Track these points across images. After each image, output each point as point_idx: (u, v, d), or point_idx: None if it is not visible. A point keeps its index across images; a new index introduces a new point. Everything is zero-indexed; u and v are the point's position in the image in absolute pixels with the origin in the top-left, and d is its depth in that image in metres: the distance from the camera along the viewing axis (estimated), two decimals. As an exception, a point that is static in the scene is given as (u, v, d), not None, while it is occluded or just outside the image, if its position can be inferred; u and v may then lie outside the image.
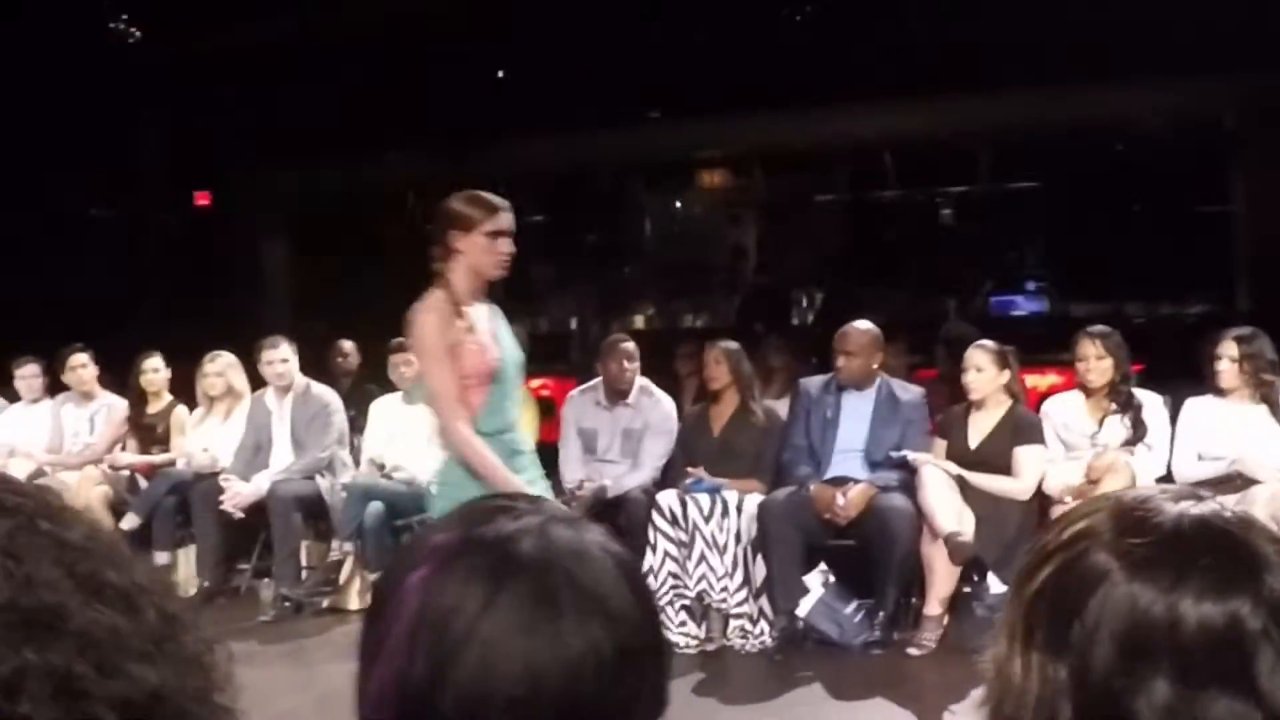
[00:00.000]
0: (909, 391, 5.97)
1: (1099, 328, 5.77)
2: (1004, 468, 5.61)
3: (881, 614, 5.48)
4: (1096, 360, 5.65)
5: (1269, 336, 6.79)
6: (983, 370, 5.70)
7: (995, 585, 5.49)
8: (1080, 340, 5.72)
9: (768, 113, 9.46)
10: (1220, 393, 5.55)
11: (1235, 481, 5.28)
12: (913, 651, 5.39)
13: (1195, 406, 5.58)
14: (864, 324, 5.96)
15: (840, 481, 5.67)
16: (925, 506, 5.43)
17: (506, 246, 3.66)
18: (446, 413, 3.61)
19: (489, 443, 3.62)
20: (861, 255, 11.46)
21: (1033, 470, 5.59)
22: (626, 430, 6.26)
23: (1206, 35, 7.63)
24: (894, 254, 11.32)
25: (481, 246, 3.63)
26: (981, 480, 5.56)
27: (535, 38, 9.31)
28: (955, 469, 5.58)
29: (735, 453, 6.01)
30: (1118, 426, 5.59)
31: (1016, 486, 5.57)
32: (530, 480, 3.75)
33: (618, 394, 6.31)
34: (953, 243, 11.19)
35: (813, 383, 6.05)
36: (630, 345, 6.37)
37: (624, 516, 5.79)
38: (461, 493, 3.41)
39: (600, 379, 6.43)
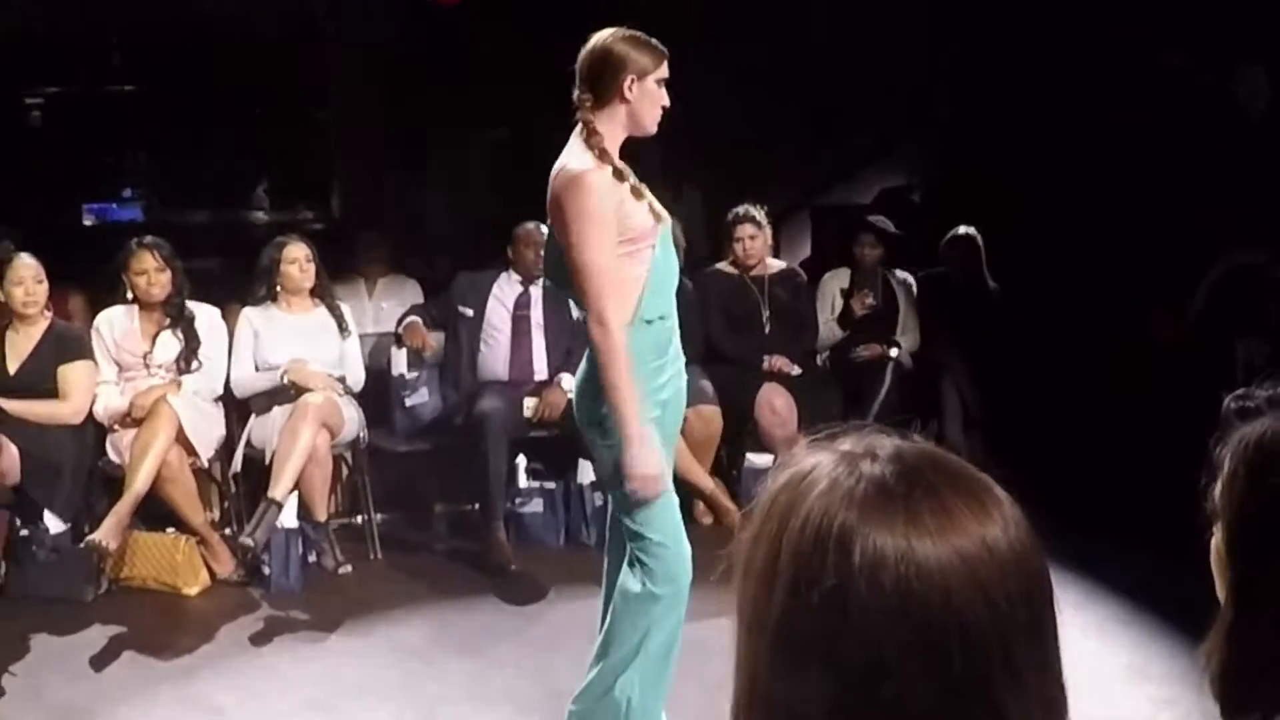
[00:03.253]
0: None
1: (152, 238, 5.43)
2: (50, 391, 5.14)
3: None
4: (157, 273, 5.33)
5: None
6: (22, 283, 5.16)
7: (54, 524, 5.04)
8: (137, 252, 5.35)
9: None
10: (277, 300, 5.52)
11: (289, 391, 5.29)
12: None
13: (251, 316, 5.49)
14: None
15: None
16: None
17: (666, 99, 3.17)
18: (606, 303, 3.01)
19: (648, 331, 3.12)
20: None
21: (81, 390, 5.17)
22: None
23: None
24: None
25: (653, 96, 3.13)
26: (23, 407, 5.04)
27: None
28: (-8, 399, 5.00)
29: None
30: (171, 342, 5.33)
31: (64, 410, 5.13)
32: (677, 374, 3.27)
33: None
34: (43, 148, 10.21)
35: None
36: None
37: None
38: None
39: None
